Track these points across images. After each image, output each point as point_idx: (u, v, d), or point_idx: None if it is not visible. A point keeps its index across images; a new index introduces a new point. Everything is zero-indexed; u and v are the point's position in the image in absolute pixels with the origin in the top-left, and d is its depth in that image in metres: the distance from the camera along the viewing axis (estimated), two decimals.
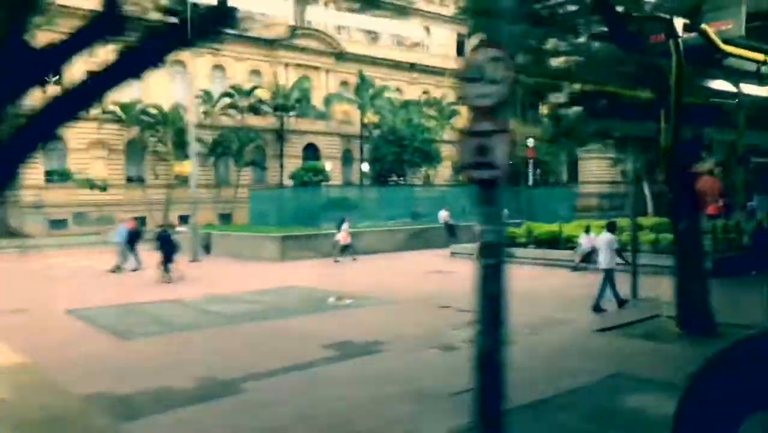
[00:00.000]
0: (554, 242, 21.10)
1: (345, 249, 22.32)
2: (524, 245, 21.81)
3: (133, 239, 20.81)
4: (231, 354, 9.56)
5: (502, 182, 4.67)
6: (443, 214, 27.59)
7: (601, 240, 12.77)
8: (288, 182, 41.48)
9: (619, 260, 12.57)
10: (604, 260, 12.18)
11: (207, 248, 26.14)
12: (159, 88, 40.51)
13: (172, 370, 8.59)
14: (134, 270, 20.12)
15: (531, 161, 34.51)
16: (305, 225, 26.19)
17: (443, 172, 52.29)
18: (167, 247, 17.76)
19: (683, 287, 10.62)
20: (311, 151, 47.30)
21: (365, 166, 45.45)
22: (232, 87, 41.12)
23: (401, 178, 46.95)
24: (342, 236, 22.17)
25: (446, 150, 44.41)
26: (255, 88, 41.82)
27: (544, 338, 10.35)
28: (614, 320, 11.44)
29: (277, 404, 7.11)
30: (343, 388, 7.65)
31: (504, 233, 5.00)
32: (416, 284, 16.32)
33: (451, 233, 26.60)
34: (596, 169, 50.47)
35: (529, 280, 16.01)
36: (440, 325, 11.33)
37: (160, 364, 8.99)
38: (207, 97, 40.18)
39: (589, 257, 18.01)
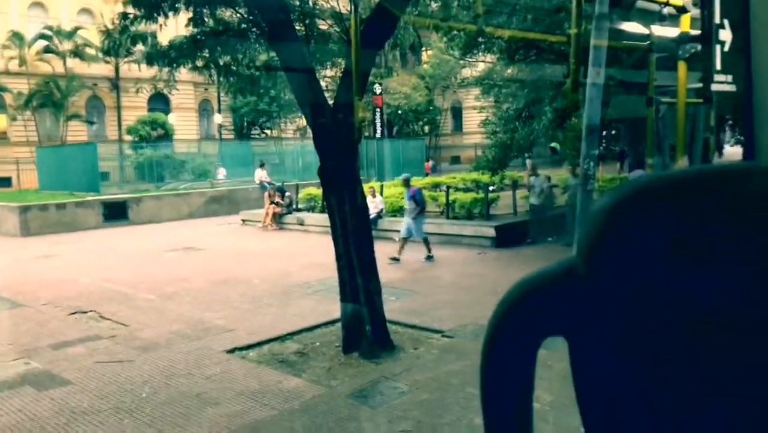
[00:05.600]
0: None
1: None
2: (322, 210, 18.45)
3: None
4: None
5: None
6: (260, 173, 23.77)
7: None
8: (127, 138, 36.56)
9: None
10: None
11: None
12: None
13: None
14: None
15: (378, 110, 30.73)
16: (86, 190, 21.85)
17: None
18: None
19: (345, 283, 7.36)
20: (161, 102, 42.03)
21: (218, 118, 40.81)
22: (48, 27, 35.26)
23: (263, 132, 42.62)
24: None
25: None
26: (78, 28, 36.04)
27: (135, 370, 6.85)
28: (275, 331, 8.08)
29: None
30: None
31: None
32: (118, 273, 12.56)
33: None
34: (478, 119, 47.49)
35: (260, 258, 12.79)
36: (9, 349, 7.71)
37: None
38: (17, 40, 34.30)
39: (376, 222, 15.12)
